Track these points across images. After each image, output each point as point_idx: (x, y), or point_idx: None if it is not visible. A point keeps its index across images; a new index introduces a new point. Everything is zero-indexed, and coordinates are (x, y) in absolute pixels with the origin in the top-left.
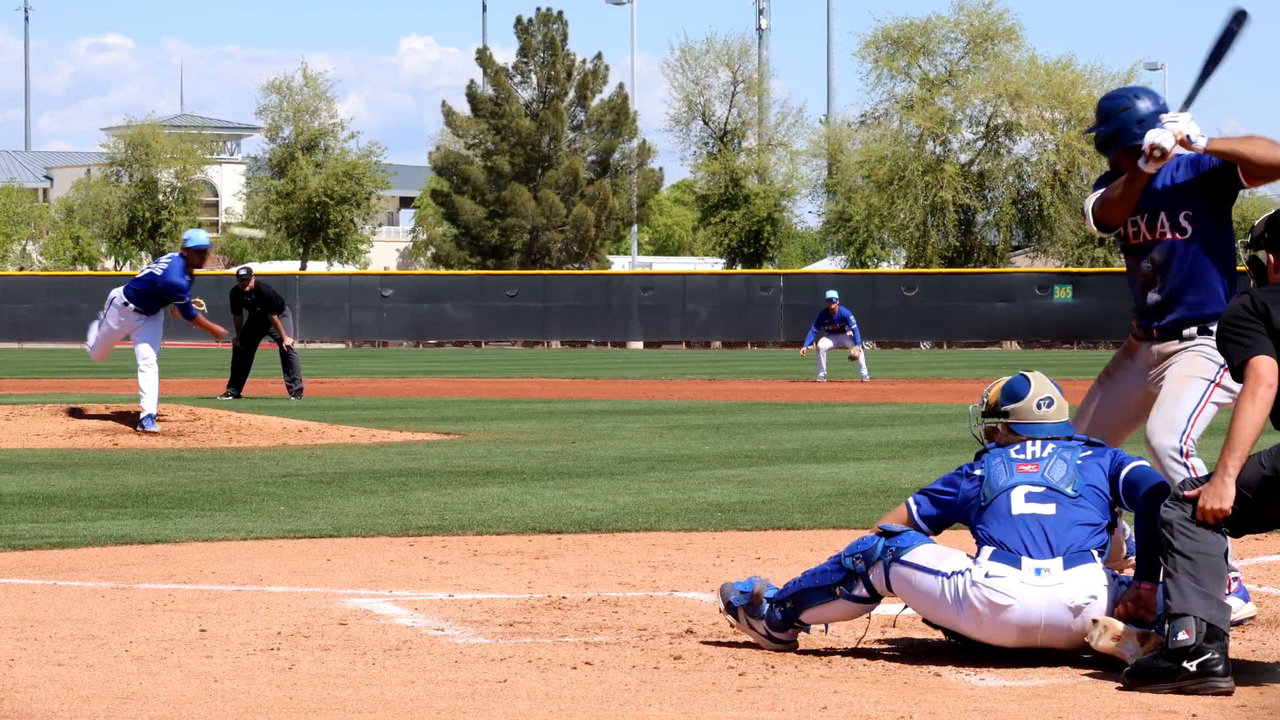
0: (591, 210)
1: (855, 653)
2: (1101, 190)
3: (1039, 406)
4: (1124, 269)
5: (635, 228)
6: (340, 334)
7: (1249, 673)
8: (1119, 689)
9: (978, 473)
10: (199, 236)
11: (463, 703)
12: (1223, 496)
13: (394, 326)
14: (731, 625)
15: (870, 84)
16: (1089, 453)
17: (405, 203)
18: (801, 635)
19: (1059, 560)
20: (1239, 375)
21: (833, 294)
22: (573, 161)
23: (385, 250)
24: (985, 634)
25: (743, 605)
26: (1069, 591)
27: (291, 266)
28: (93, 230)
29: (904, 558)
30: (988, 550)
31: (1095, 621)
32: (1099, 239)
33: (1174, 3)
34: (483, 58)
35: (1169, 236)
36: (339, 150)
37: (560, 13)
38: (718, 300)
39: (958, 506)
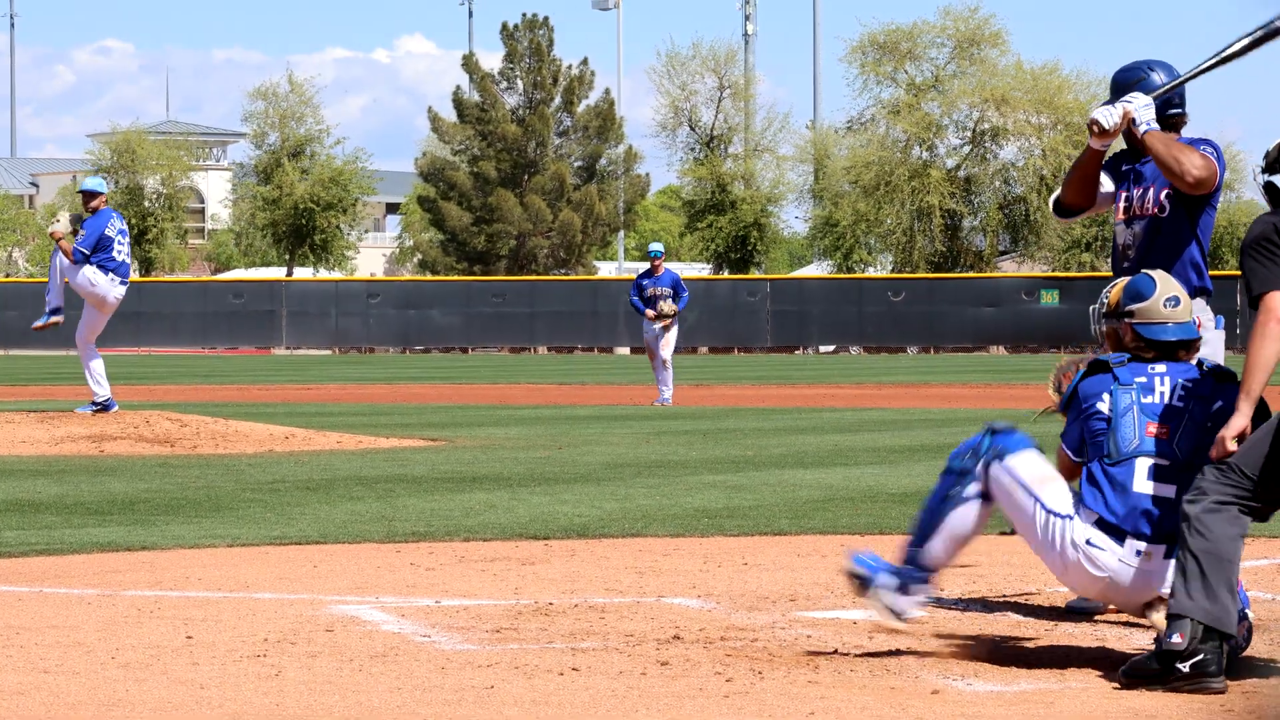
0: (578, 216)
1: (843, 659)
2: None
3: (1165, 305)
4: (1111, 273)
5: (622, 233)
6: (326, 340)
7: (1234, 674)
8: (1115, 688)
9: (1103, 407)
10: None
11: (449, 709)
12: (1237, 428)
13: (380, 333)
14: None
15: (857, 89)
16: (1221, 404)
17: (391, 209)
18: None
19: (1163, 548)
20: (1255, 304)
21: (658, 247)
22: (559, 167)
23: (372, 256)
24: (1067, 580)
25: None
26: (1161, 580)
27: (278, 273)
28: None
29: (1007, 461)
30: (1092, 515)
31: (1160, 598)
32: (1085, 243)
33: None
34: (469, 63)
35: (1150, 212)
36: (325, 156)
37: (546, 18)
38: (704, 306)
39: (1085, 436)
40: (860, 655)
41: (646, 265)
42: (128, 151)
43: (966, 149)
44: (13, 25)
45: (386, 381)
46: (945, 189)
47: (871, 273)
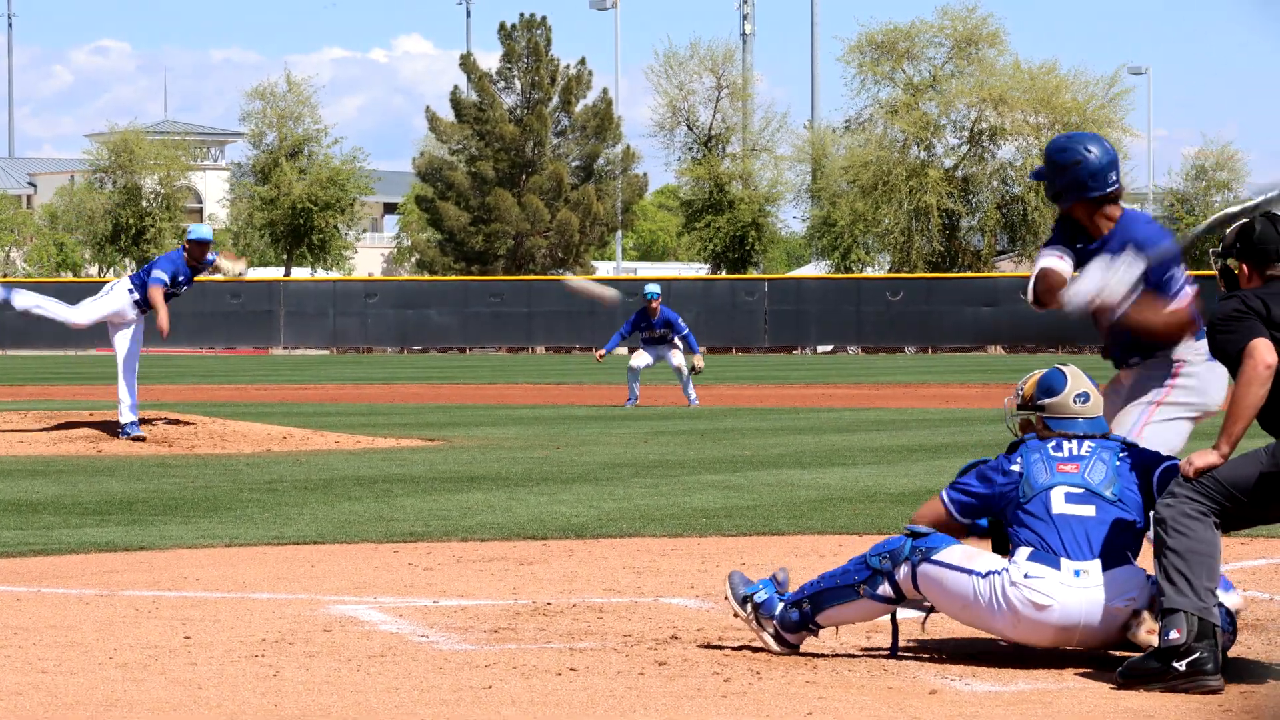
0: (576, 216)
1: (841, 659)
2: (1048, 261)
3: (1075, 401)
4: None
5: (620, 233)
6: (324, 340)
7: (1231, 674)
8: (1113, 689)
9: (1015, 468)
10: (199, 229)
11: (447, 709)
12: (1213, 458)
13: (378, 332)
14: (736, 616)
15: (854, 89)
16: (1126, 454)
17: (389, 209)
18: (806, 639)
19: (1097, 562)
20: (1237, 364)
21: (654, 289)
22: (557, 167)
23: (369, 256)
24: (1022, 635)
25: (757, 601)
26: (1107, 593)
27: (276, 273)
28: (76, 237)
29: (935, 556)
30: (1025, 550)
31: (1136, 614)
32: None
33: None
34: (466, 63)
35: None
36: (323, 156)
37: (544, 18)
38: (702, 306)
39: (994, 500)
40: (858, 655)
41: (639, 280)
42: (125, 151)
43: (964, 149)
44: (10, 25)
45: (384, 381)
46: (943, 189)
47: (869, 272)
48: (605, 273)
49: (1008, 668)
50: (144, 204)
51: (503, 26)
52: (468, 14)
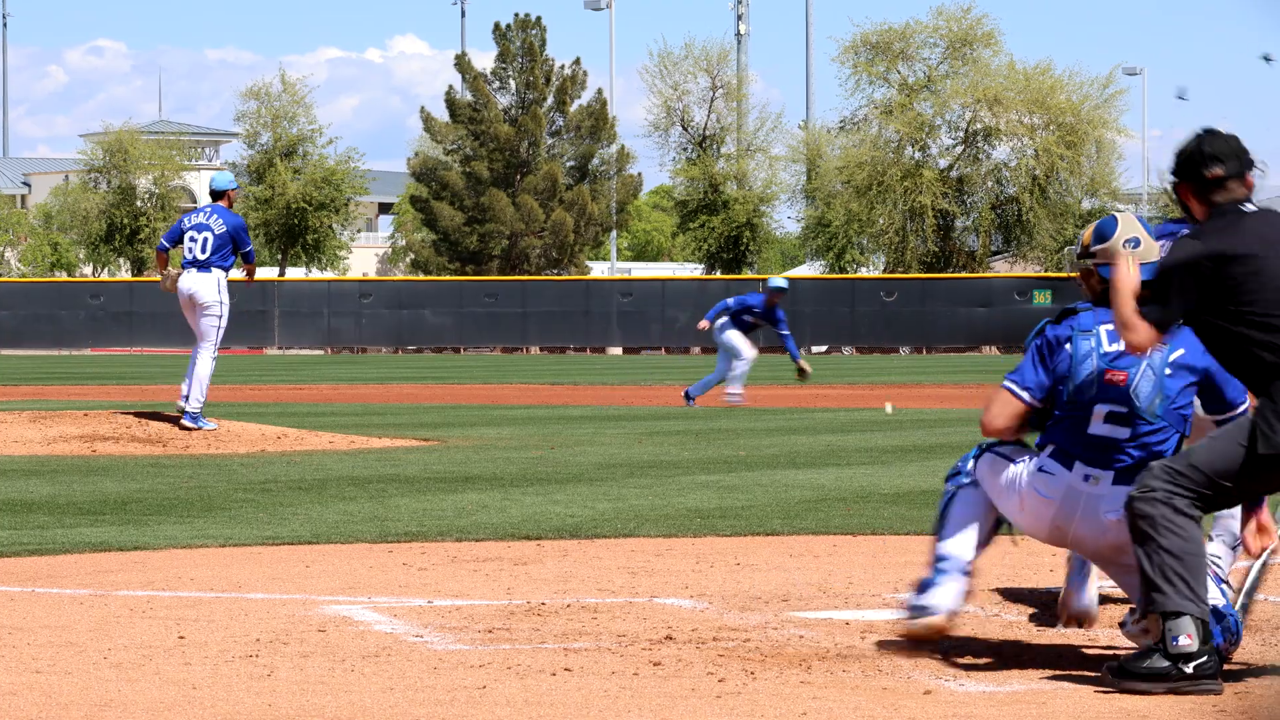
0: (570, 216)
1: (835, 659)
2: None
3: (1124, 246)
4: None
5: (614, 233)
6: (319, 340)
7: (1226, 675)
8: (1097, 692)
9: (1066, 347)
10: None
11: (442, 709)
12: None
13: (373, 333)
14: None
15: (849, 89)
16: (1180, 352)
17: (384, 209)
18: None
19: (1110, 475)
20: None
21: (782, 282)
22: (551, 167)
23: (364, 256)
24: (1026, 522)
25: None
26: (1110, 504)
27: (270, 273)
28: (71, 237)
29: (995, 449)
30: (1049, 449)
31: (1133, 611)
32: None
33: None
34: (461, 63)
35: None
36: (317, 156)
37: (539, 18)
38: (697, 306)
39: (1056, 380)
40: (853, 656)
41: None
42: (120, 151)
43: (959, 149)
44: (5, 25)
45: (379, 381)
46: (938, 189)
47: (864, 273)
48: (599, 273)
49: (1002, 668)
50: (139, 204)
51: (497, 27)
52: (463, 14)
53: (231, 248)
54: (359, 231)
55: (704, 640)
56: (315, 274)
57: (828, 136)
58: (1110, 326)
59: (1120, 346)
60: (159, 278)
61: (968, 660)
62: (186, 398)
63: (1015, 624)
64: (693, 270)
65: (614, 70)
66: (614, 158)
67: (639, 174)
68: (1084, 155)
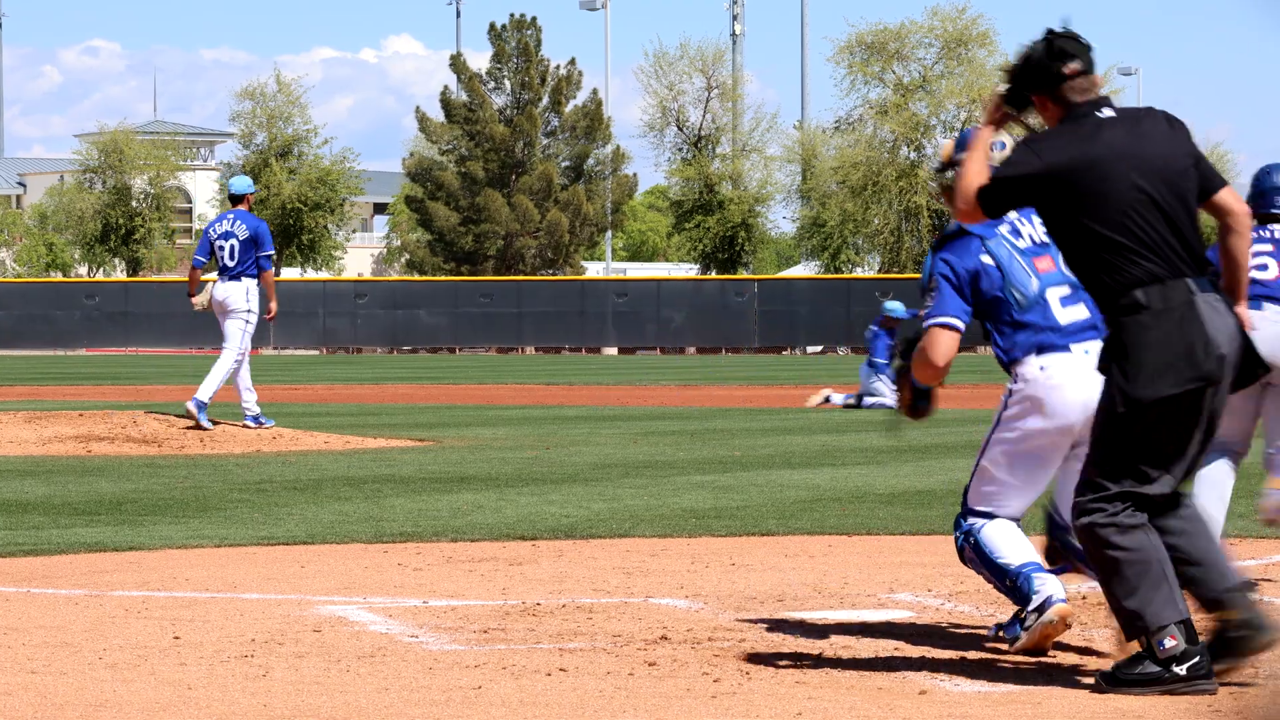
0: (565, 216)
1: (830, 659)
2: None
3: (992, 149)
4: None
5: (609, 233)
6: (314, 340)
7: (1221, 675)
8: (1092, 692)
9: (988, 260)
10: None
11: (437, 709)
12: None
13: (368, 333)
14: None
15: (844, 89)
16: None
17: (379, 209)
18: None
19: (1098, 341)
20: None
21: (896, 306)
22: (547, 167)
23: (359, 256)
24: (1055, 423)
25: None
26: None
27: None
28: (66, 237)
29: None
30: (1030, 349)
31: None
32: None
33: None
34: (456, 63)
35: None
36: (313, 156)
37: (534, 19)
38: (692, 306)
39: (983, 305)
40: (848, 656)
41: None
42: (115, 152)
43: None
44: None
45: (374, 382)
46: (933, 189)
47: (859, 273)
48: (595, 273)
49: (997, 668)
50: (134, 204)
51: (493, 27)
52: (458, 14)
53: (255, 251)
54: (354, 232)
55: (699, 640)
56: (310, 274)
57: (823, 137)
58: (1008, 226)
59: (1022, 242)
60: (192, 296)
61: (963, 660)
62: (243, 400)
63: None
64: (688, 270)
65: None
66: (609, 158)
67: (634, 174)
68: None
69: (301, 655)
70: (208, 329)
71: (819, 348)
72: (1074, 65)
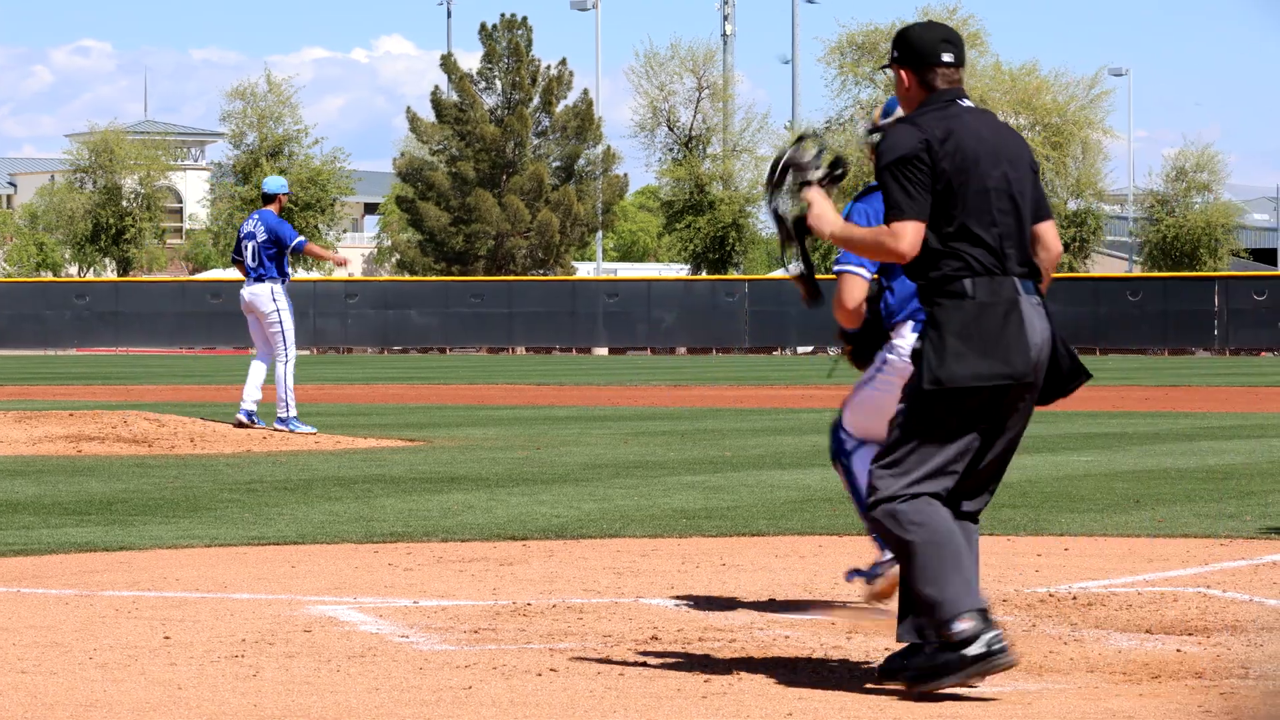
0: (556, 216)
1: (821, 660)
2: None
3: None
4: (1086, 274)
5: (600, 234)
6: (304, 340)
7: (1213, 676)
8: (1083, 693)
9: None
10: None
11: (427, 709)
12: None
13: (358, 333)
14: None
15: (835, 90)
16: None
17: (370, 209)
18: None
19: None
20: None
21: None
22: (537, 167)
23: (350, 256)
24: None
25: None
26: None
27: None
28: (56, 237)
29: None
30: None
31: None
32: (1063, 243)
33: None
34: (447, 63)
35: None
36: (303, 156)
37: (525, 19)
38: (683, 306)
39: None
40: (838, 656)
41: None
42: (106, 151)
43: None
44: None
45: (365, 382)
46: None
47: None
48: (585, 273)
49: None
50: (124, 204)
51: (483, 27)
52: (448, 14)
53: (277, 250)
54: (345, 232)
55: (689, 640)
56: (301, 274)
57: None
58: None
59: None
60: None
61: None
62: (259, 403)
63: (1000, 623)
64: (678, 271)
65: (600, 71)
66: (600, 158)
67: (625, 174)
68: (1070, 156)
69: (292, 655)
70: (198, 329)
71: (809, 348)
72: (949, 55)
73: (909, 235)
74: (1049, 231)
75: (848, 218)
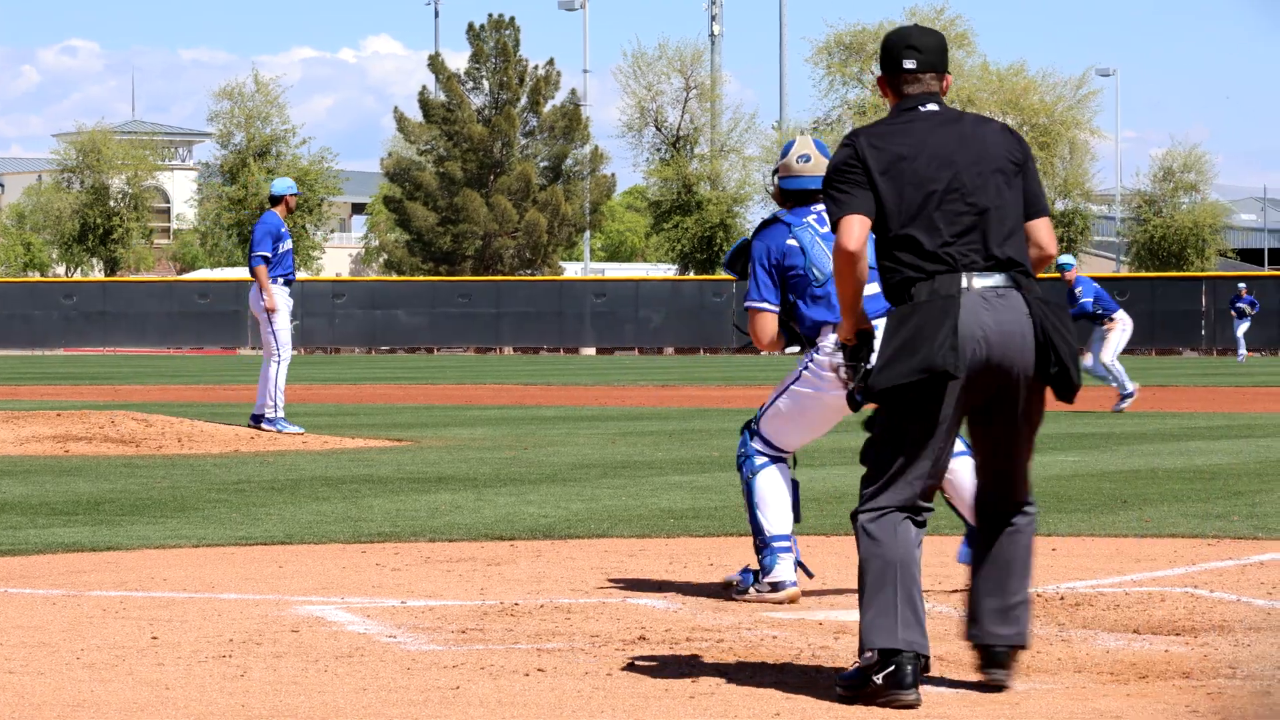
0: (544, 216)
1: (809, 660)
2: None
3: (797, 162)
4: (1073, 277)
5: (588, 234)
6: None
7: (1200, 676)
8: (1071, 693)
9: (793, 243)
10: (285, 181)
11: (415, 710)
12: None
13: (346, 333)
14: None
15: (823, 90)
16: None
17: (357, 209)
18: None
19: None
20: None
21: (1068, 259)
22: (525, 167)
23: (338, 256)
24: (838, 394)
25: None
26: None
27: (243, 273)
28: (44, 237)
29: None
30: (829, 328)
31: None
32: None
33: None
34: (435, 64)
35: None
36: (291, 156)
37: (512, 18)
38: (670, 306)
39: (791, 287)
40: (826, 656)
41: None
42: (93, 151)
43: None
44: None
45: (352, 382)
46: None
47: None
48: (573, 273)
49: (975, 669)
50: (111, 204)
51: (471, 27)
52: (436, 14)
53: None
54: (332, 232)
55: (677, 641)
56: None
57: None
58: (815, 215)
59: (825, 228)
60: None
61: (940, 660)
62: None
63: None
64: (666, 271)
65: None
66: (587, 158)
67: (612, 174)
68: (1057, 156)
69: (279, 655)
70: (185, 329)
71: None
72: (911, 63)
73: (852, 229)
74: (1039, 229)
75: (748, 254)
